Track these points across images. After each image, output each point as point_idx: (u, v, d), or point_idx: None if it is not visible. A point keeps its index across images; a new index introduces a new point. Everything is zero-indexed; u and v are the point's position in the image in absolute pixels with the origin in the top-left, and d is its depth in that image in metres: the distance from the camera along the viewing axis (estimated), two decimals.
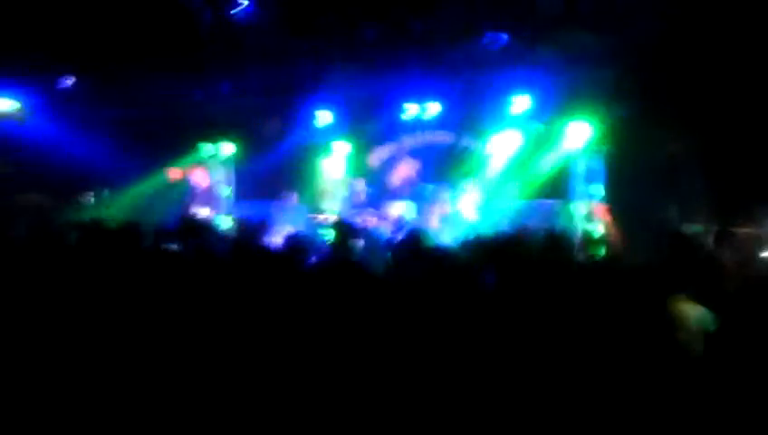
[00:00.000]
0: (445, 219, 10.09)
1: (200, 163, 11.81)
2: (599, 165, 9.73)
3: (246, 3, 7.50)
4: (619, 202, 9.18)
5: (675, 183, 8.73)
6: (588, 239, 6.89)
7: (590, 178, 9.89)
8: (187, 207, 11.37)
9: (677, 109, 8.26)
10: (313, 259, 4.94)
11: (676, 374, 3.32)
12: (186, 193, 11.69)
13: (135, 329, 3.79)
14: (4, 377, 3.62)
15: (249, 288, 3.88)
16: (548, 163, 9.96)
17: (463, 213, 10.21)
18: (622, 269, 4.40)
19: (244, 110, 11.20)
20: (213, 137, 11.59)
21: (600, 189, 9.69)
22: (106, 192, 11.39)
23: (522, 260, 4.62)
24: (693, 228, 7.83)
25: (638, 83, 8.51)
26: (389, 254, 5.60)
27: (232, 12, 7.80)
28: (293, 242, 5.11)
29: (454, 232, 9.34)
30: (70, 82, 9.91)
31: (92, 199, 11.39)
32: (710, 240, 7.49)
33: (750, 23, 7.04)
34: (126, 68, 9.44)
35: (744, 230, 7.24)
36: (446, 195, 10.29)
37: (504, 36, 8.24)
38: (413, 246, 5.15)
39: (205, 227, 5.19)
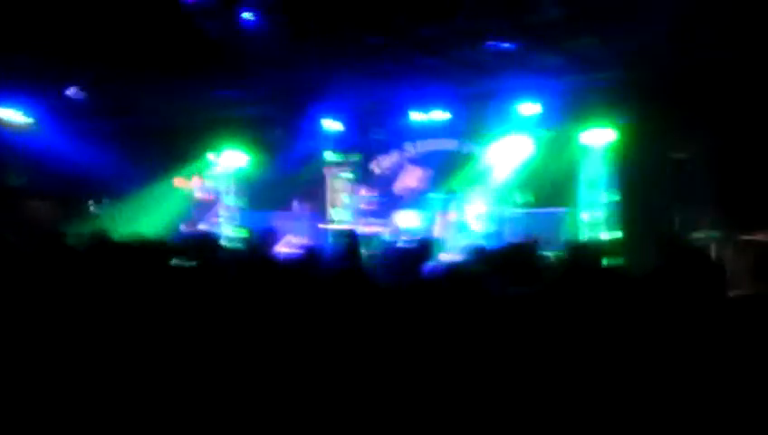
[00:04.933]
0: (451, 227, 10.08)
1: (206, 172, 11.84)
2: (605, 172, 9.67)
3: (253, 17, 7.50)
4: (629, 208, 9.14)
5: (685, 188, 8.69)
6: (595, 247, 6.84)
7: (596, 185, 9.84)
8: (191, 216, 11.40)
9: (688, 112, 8.24)
10: (321, 269, 4.95)
11: (679, 381, 3.31)
12: (191, 202, 11.72)
13: (144, 341, 3.79)
14: (9, 386, 3.63)
15: (257, 299, 3.89)
16: (554, 170, 9.94)
17: (469, 221, 10.20)
18: (628, 277, 4.39)
19: (252, 119, 11.25)
20: (219, 146, 11.62)
21: (605, 197, 9.63)
22: (113, 201, 11.43)
23: (532, 268, 4.61)
24: (701, 235, 7.81)
25: (648, 87, 8.49)
26: (395, 262, 5.60)
27: (239, 22, 7.81)
28: (303, 253, 5.11)
29: (460, 240, 9.34)
30: (78, 92, 9.96)
31: (100, 208, 11.45)
32: (717, 246, 7.49)
33: (762, 26, 7.01)
34: (133, 78, 9.48)
35: (753, 238, 7.21)
36: (453, 203, 10.28)
37: (508, 45, 8.24)
38: (420, 254, 5.15)
39: (210, 242, 5.19)
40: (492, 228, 9.96)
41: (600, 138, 9.54)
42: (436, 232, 10.01)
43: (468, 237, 9.53)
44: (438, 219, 10.26)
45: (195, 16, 7.61)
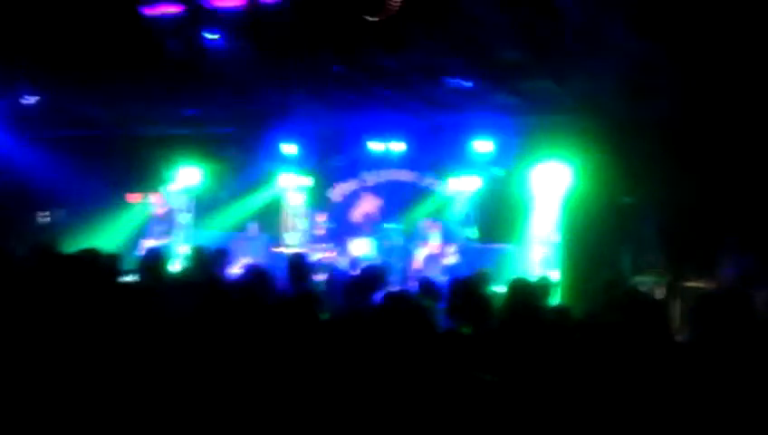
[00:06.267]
0: (430, 259, 10.06)
1: (160, 189, 11.70)
2: (557, 211, 9.80)
3: (218, 36, 7.50)
4: (575, 249, 9.26)
5: (632, 233, 8.86)
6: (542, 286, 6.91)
7: (544, 223, 9.95)
8: (144, 233, 11.25)
9: (637, 159, 8.42)
10: (268, 292, 4.92)
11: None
12: (143, 218, 11.57)
13: (86, 357, 3.73)
14: None
15: (200, 322, 3.86)
16: (506, 207, 10.05)
17: (434, 253, 10.18)
18: (569, 318, 4.47)
19: (209, 138, 11.20)
20: (175, 163, 11.52)
21: (556, 236, 9.75)
22: (63, 213, 11.23)
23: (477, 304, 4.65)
24: (645, 279, 7.96)
25: (599, 132, 8.68)
26: (345, 289, 5.61)
27: (202, 41, 7.80)
28: (253, 274, 5.08)
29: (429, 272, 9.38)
30: (32, 99, 9.80)
31: (49, 219, 11.23)
32: (661, 291, 7.66)
33: (710, 80, 7.24)
34: (90, 89, 9.37)
35: (695, 285, 7.40)
36: (428, 234, 10.26)
37: (467, 83, 8.39)
38: (368, 283, 5.18)
39: (159, 259, 5.15)
40: (453, 262, 9.99)
41: (551, 177, 9.69)
42: (416, 263, 10.00)
43: (435, 270, 9.58)
44: (419, 250, 10.21)
45: (157, 32, 7.59)
